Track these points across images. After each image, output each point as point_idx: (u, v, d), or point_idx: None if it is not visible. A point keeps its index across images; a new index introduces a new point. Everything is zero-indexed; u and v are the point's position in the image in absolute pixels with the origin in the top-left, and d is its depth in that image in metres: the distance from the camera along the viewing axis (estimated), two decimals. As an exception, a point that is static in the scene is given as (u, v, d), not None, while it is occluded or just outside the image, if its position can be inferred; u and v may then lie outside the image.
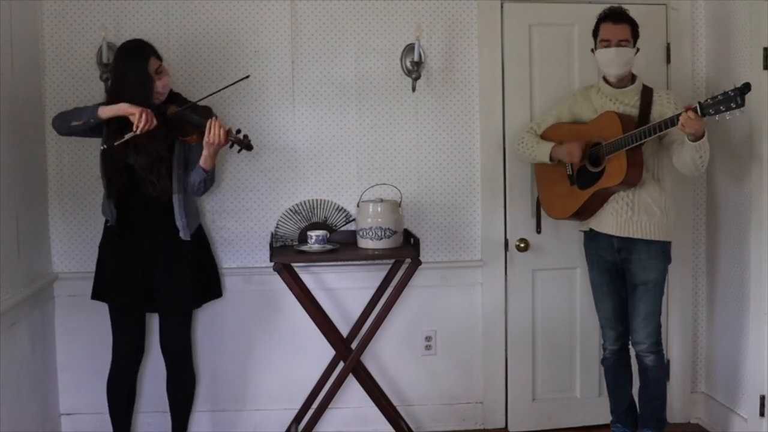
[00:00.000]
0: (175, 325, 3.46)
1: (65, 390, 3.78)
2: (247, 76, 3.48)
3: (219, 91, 3.40)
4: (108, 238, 3.40)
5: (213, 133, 3.17)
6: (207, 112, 3.32)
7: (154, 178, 3.25)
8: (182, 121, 3.25)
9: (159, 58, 3.28)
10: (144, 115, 3.07)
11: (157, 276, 3.34)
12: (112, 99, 3.20)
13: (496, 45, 3.84)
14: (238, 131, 3.28)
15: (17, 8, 3.36)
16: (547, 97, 3.83)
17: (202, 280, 3.53)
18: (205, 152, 3.24)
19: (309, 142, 3.83)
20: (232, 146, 3.30)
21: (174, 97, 3.37)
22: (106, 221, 3.38)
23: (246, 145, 3.28)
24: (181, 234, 3.35)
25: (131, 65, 3.21)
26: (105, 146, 3.18)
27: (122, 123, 3.15)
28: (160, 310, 3.43)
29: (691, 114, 3.03)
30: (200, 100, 3.38)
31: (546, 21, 3.85)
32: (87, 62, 3.67)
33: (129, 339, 3.42)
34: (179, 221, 3.33)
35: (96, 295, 3.45)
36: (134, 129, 3.08)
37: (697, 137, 3.14)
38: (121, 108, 3.12)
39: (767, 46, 3.38)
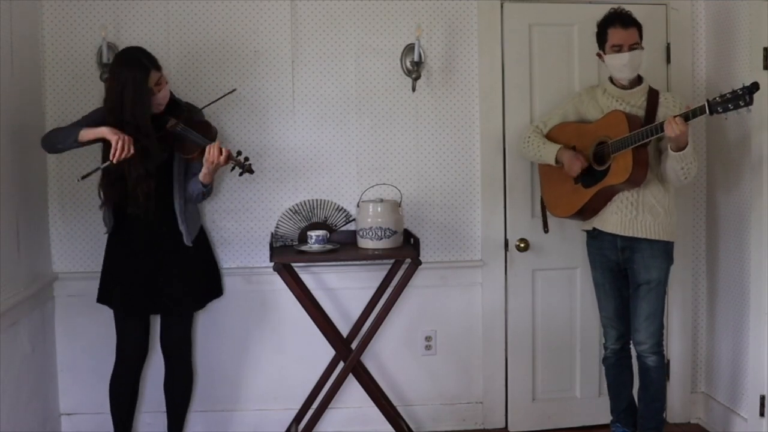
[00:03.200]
0: (177, 324, 3.48)
1: (65, 390, 3.78)
2: (234, 90, 3.52)
3: (209, 104, 3.43)
4: (112, 244, 3.41)
5: (212, 155, 3.20)
6: (206, 128, 3.32)
7: (140, 196, 3.22)
8: (182, 137, 3.26)
9: (159, 68, 3.24)
10: (121, 143, 3.05)
11: (161, 279, 3.36)
12: (110, 111, 3.17)
13: (496, 45, 3.84)
14: (239, 153, 3.30)
15: (17, 8, 3.36)
16: (548, 96, 3.83)
17: (205, 281, 3.56)
18: (204, 170, 3.26)
19: (309, 142, 3.83)
20: (233, 169, 3.33)
21: (173, 104, 3.35)
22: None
23: (247, 168, 3.30)
24: (185, 239, 3.38)
25: (131, 78, 3.14)
26: (79, 179, 3.18)
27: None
28: (165, 312, 3.45)
29: (677, 119, 3.05)
30: (198, 111, 3.42)
31: (546, 21, 3.85)
32: (87, 62, 3.67)
33: (135, 339, 3.43)
34: (181, 227, 3.36)
35: (102, 298, 3.45)
36: (110, 158, 3.07)
37: (678, 146, 3.15)
38: (102, 132, 3.10)
39: (767, 46, 3.38)
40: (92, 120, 3.25)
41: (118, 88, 3.16)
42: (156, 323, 3.55)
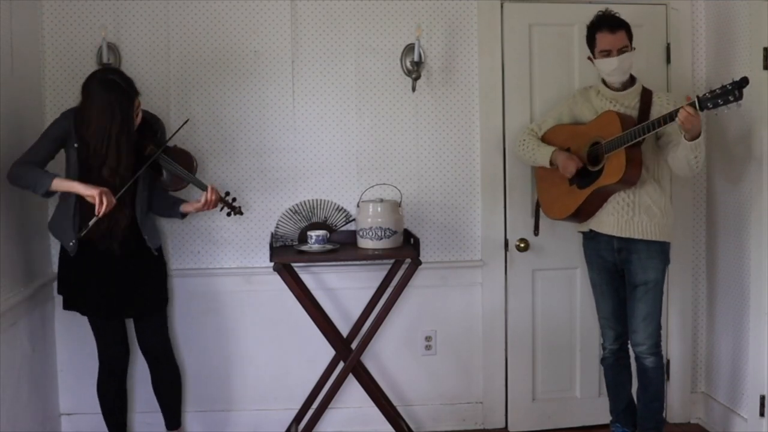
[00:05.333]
0: (151, 325, 3.49)
1: (65, 390, 3.79)
2: (187, 120, 3.52)
3: (171, 137, 3.42)
4: (72, 255, 3.33)
5: (210, 201, 3.31)
6: (187, 159, 3.39)
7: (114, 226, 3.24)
8: (162, 168, 3.31)
9: (138, 93, 3.23)
10: (103, 198, 3.06)
11: (126, 283, 3.35)
12: (92, 143, 3.14)
13: (496, 45, 3.84)
14: (227, 194, 3.40)
15: (17, 8, 3.36)
16: (547, 96, 3.83)
17: (163, 284, 3.55)
18: (191, 208, 3.38)
19: (309, 142, 3.83)
20: (222, 209, 3.42)
21: (143, 124, 3.31)
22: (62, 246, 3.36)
23: (238, 211, 3.43)
24: (151, 247, 3.40)
25: (119, 107, 3.11)
26: (73, 241, 3.22)
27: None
28: (132, 315, 3.45)
29: (689, 109, 3.03)
30: (159, 122, 3.45)
31: (546, 21, 3.85)
32: (87, 62, 3.67)
33: (113, 341, 3.44)
34: (146, 236, 3.37)
35: (69, 305, 3.41)
36: (96, 213, 3.07)
37: (693, 135, 3.14)
38: (75, 188, 3.12)
39: (767, 46, 3.38)
40: (54, 138, 3.23)
41: (107, 123, 3.10)
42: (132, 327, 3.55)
